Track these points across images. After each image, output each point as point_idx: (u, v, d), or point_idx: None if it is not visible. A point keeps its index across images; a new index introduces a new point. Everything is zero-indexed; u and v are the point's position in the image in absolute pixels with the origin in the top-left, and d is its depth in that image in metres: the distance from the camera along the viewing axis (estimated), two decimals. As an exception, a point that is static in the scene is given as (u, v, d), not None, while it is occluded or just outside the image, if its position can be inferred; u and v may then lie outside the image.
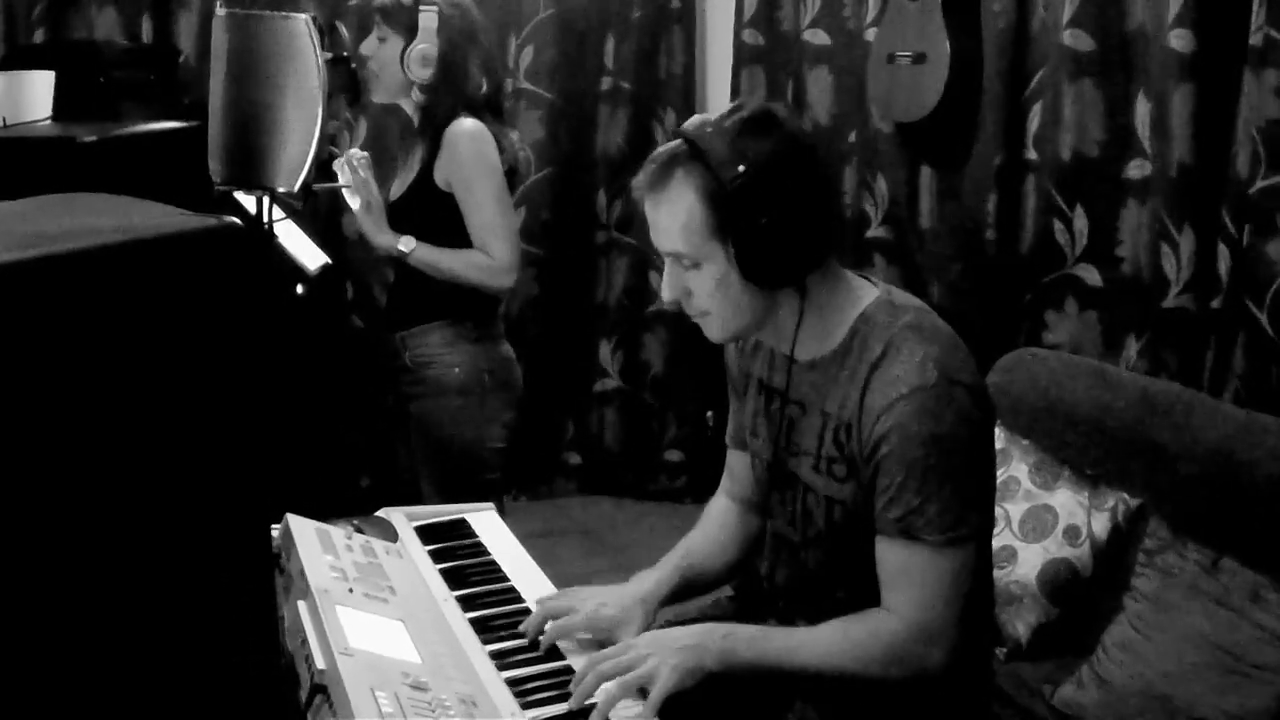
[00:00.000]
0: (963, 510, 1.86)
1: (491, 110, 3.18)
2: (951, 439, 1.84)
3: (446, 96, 3.11)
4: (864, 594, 1.93)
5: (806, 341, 1.99)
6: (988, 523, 1.97)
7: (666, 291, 1.96)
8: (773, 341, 2.06)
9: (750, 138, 1.83)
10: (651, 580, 2.11)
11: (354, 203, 3.18)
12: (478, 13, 3.20)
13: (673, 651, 1.82)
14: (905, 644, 1.87)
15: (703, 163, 1.84)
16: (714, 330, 1.99)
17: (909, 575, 1.88)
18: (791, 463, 2.06)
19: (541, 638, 1.94)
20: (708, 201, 1.84)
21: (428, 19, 3.07)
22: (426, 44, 3.07)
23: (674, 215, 1.88)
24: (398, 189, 3.26)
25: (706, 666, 1.83)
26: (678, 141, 1.90)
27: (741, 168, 1.81)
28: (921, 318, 1.94)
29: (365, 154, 3.23)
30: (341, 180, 3.22)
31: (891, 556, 1.89)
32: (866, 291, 1.99)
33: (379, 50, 3.15)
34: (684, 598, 2.17)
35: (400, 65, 3.11)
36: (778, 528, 2.13)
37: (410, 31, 3.10)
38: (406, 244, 3.11)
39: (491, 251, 3.12)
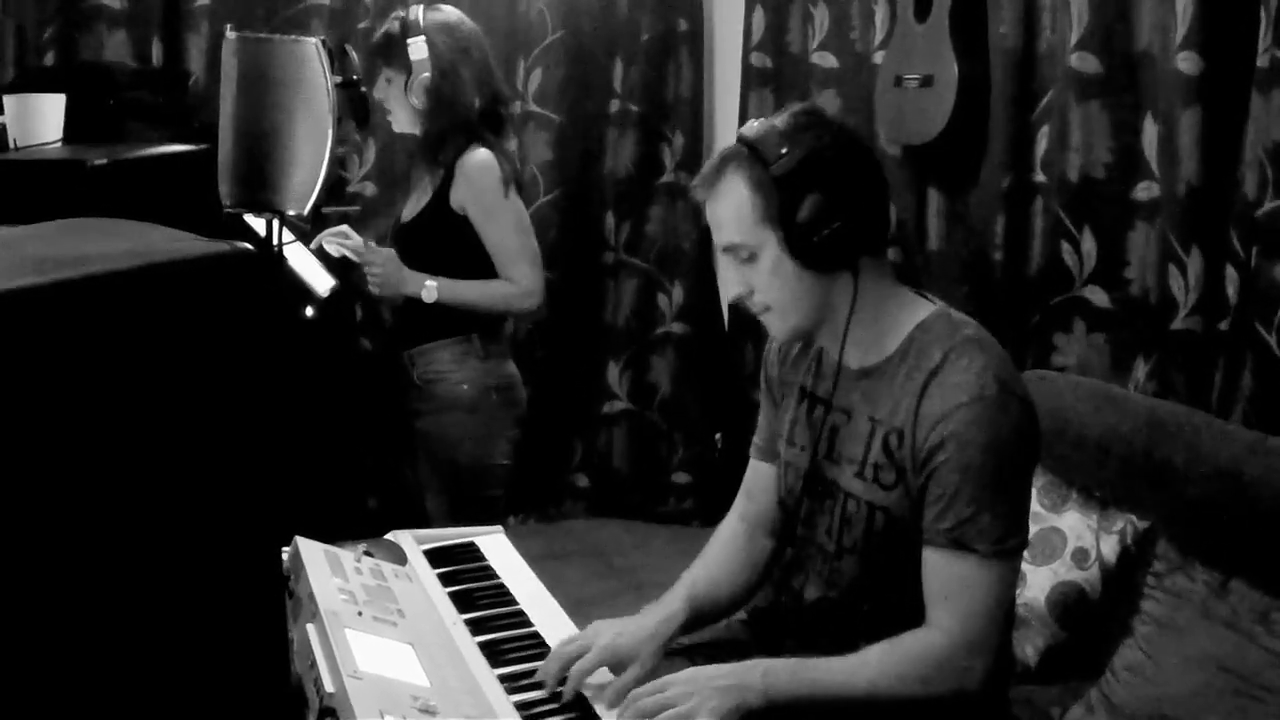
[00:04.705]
0: (1011, 523, 1.88)
1: (489, 126, 3.20)
2: (1007, 450, 1.87)
3: (440, 120, 3.15)
4: (893, 609, 1.94)
5: (860, 347, 2.03)
6: (1026, 541, 1.98)
7: (728, 289, 2.02)
8: (828, 343, 2.08)
9: (797, 130, 1.92)
10: (661, 615, 2.09)
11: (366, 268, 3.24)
12: (469, 28, 3.23)
13: (713, 691, 1.81)
14: (950, 658, 1.87)
15: (753, 155, 1.92)
16: (776, 325, 2.04)
17: (957, 586, 1.88)
18: (831, 470, 2.07)
19: (563, 689, 1.90)
20: (757, 189, 1.92)
21: (417, 49, 3.12)
22: (424, 74, 3.12)
23: (728, 206, 1.95)
24: (409, 213, 3.28)
25: (748, 705, 1.82)
26: (733, 142, 1.99)
27: (785, 150, 1.89)
28: (980, 332, 1.98)
29: (339, 228, 3.29)
30: (334, 253, 3.29)
31: (940, 568, 1.90)
32: (924, 305, 2.04)
33: (387, 90, 3.22)
34: (694, 629, 2.15)
35: (405, 99, 3.16)
36: (815, 538, 2.12)
37: (408, 65, 3.15)
38: (429, 294, 3.14)
39: (515, 276, 3.17)
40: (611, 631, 2.00)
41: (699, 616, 2.15)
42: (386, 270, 3.19)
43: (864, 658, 1.90)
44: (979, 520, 1.86)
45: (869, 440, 2.00)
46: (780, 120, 1.95)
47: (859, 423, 2.02)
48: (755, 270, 1.97)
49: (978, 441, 1.86)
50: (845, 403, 2.06)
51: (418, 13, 3.18)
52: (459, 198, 3.14)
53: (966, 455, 1.86)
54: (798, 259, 1.92)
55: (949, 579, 1.89)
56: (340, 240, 3.28)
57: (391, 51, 3.19)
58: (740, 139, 1.97)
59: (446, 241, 3.17)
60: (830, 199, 1.89)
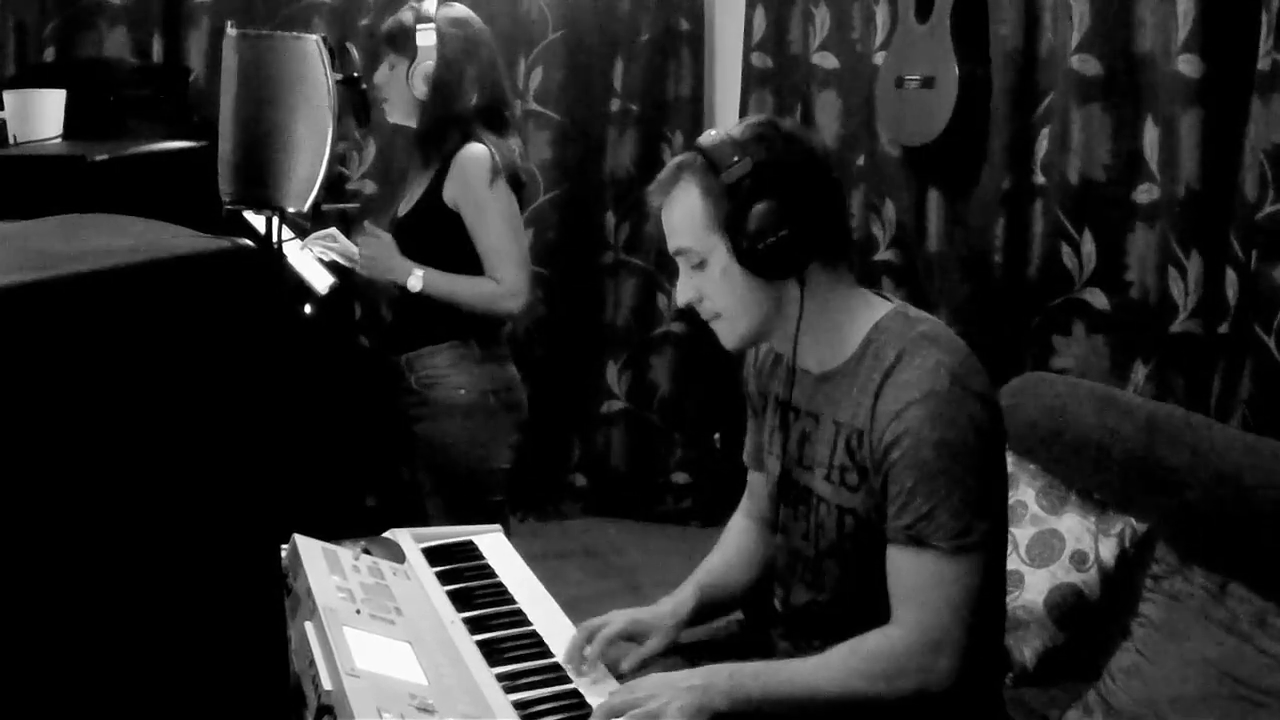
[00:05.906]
0: (972, 518, 1.87)
1: (487, 122, 3.20)
2: (962, 445, 1.87)
3: (436, 111, 3.15)
4: (878, 611, 1.94)
5: (819, 352, 2.04)
6: (998, 534, 1.98)
7: (681, 294, 2.05)
8: (785, 349, 2.09)
9: (752, 140, 1.95)
10: (674, 602, 2.18)
11: (355, 264, 3.27)
12: (480, 27, 3.23)
13: (679, 692, 1.84)
14: (910, 654, 1.88)
15: (705, 163, 1.95)
16: (726, 333, 2.05)
17: (917, 583, 1.89)
18: (804, 476, 2.09)
19: (586, 651, 2.00)
20: (707, 195, 1.95)
21: (425, 37, 3.13)
22: (428, 61, 3.12)
23: (680, 212, 1.99)
24: (404, 207, 3.28)
25: (714, 706, 1.84)
26: (690, 151, 2.02)
27: (736, 159, 1.91)
28: (936, 328, 2.00)
29: (327, 231, 3.30)
30: (322, 255, 3.30)
31: (900, 564, 1.91)
32: (881, 305, 2.05)
33: (388, 76, 3.22)
34: (707, 618, 2.22)
35: (406, 86, 3.16)
36: (794, 544, 2.14)
37: (414, 52, 3.15)
38: (414, 283, 3.14)
39: (501, 276, 3.15)
40: (631, 611, 2.10)
41: (710, 603, 2.22)
42: (375, 252, 3.19)
43: (827, 658, 1.92)
44: (936, 516, 1.86)
45: (834, 443, 2.02)
46: (737, 130, 1.98)
47: (825, 427, 2.04)
48: (705, 276, 1.99)
49: (930, 438, 1.86)
50: (813, 408, 2.08)
51: (432, 5, 3.19)
52: (451, 193, 3.14)
53: (920, 451, 1.87)
54: (745, 266, 1.94)
55: (909, 576, 1.90)
56: (326, 244, 3.28)
57: (400, 38, 3.19)
58: (695, 146, 2.01)
59: (438, 236, 3.16)
60: (779, 208, 1.91)
